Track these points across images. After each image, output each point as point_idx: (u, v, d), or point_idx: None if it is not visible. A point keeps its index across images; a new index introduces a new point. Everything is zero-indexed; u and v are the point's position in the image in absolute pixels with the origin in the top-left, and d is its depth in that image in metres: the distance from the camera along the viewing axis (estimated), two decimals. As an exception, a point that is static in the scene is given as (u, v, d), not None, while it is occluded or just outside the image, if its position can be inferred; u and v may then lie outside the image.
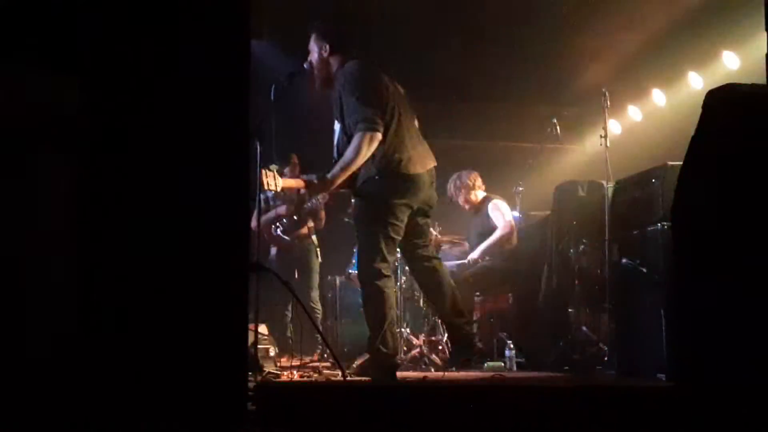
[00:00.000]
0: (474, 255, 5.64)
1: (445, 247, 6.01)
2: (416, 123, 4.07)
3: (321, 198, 6.06)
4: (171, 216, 2.16)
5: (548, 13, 5.85)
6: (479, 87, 6.92)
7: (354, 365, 4.71)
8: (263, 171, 3.90)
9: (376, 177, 3.78)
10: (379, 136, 3.71)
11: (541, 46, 6.27)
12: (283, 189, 3.99)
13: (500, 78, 6.70)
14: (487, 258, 5.63)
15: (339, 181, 3.81)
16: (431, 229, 5.66)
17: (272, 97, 4.06)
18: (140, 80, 2.16)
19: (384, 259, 3.78)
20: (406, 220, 3.83)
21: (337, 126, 3.90)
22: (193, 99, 2.20)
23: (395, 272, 5.08)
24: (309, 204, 6.05)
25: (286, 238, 6.11)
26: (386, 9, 5.78)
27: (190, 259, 2.16)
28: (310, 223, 6.17)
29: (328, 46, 3.96)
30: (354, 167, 3.77)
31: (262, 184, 3.85)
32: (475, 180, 5.89)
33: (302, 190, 4.03)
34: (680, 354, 2.27)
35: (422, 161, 3.88)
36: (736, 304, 1.99)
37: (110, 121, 2.13)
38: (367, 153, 3.72)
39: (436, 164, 4.01)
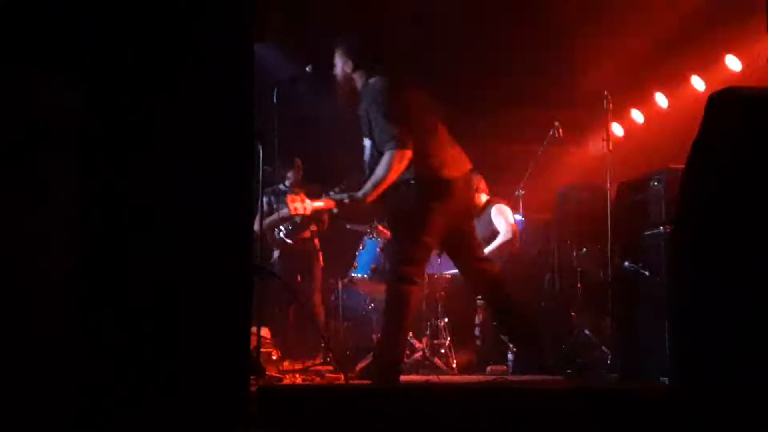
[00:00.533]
0: None
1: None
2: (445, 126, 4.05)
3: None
4: (173, 218, 2.16)
5: (551, 16, 5.86)
6: (481, 90, 6.91)
7: (356, 368, 4.71)
8: (289, 196, 3.90)
9: (412, 182, 3.77)
10: (409, 153, 3.72)
11: (543, 49, 6.27)
12: (314, 210, 3.97)
13: (502, 81, 6.70)
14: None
15: (371, 199, 3.81)
16: None
17: (275, 100, 4.07)
18: (142, 81, 2.16)
19: (412, 264, 3.76)
20: (443, 225, 3.81)
21: (367, 142, 3.89)
22: (196, 100, 2.21)
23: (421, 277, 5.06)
24: None
25: (289, 241, 6.11)
26: (386, 12, 5.79)
27: (192, 261, 2.16)
28: (313, 227, 6.17)
29: (351, 63, 3.97)
30: (386, 185, 3.77)
31: (289, 209, 3.85)
32: (478, 183, 5.88)
33: (334, 210, 3.98)
34: (682, 356, 2.27)
35: (457, 165, 3.87)
36: (738, 306, 1.99)
37: (111, 121, 2.13)
38: (398, 170, 3.73)
39: (471, 166, 3.99)
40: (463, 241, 3.98)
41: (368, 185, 3.80)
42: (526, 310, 4.06)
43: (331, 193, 3.97)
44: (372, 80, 3.91)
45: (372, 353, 3.97)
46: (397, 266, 3.80)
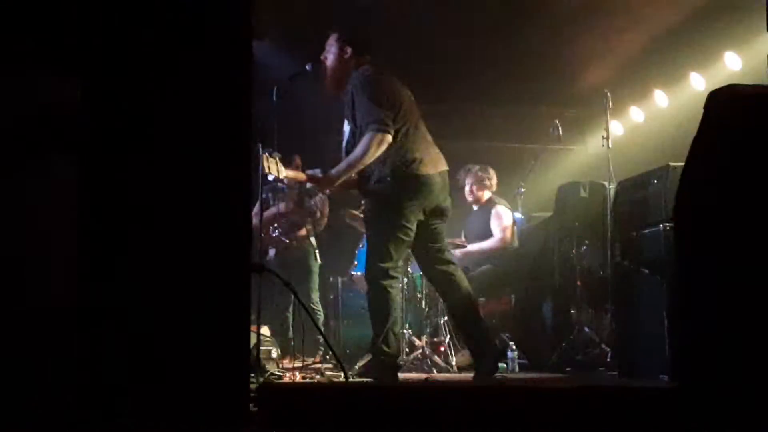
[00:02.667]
0: (457, 253, 5.58)
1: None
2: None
3: (320, 200, 6.06)
4: (172, 216, 2.16)
5: (550, 13, 5.85)
6: (481, 88, 6.92)
7: (356, 366, 4.71)
8: (265, 156, 3.89)
9: (388, 178, 3.79)
10: (389, 137, 3.73)
11: (543, 47, 6.27)
12: (285, 178, 3.99)
13: (502, 79, 6.70)
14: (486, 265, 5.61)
15: (343, 178, 3.83)
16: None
17: (274, 98, 4.07)
18: (141, 80, 2.16)
19: (391, 260, 3.78)
20: (416, 222, 3.82)
21: (346, 127, 3.91)
22: (195, 99, 2.21)
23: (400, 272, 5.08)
24: (311, 203, 6.05)
25: (285, 239, 6.10)
26: (387, 9, 5.79)
27: (191, 260, 2.16)
28: (309, 225, 6.16)
29: (349, 49, 3.97)
30: (359, 166, 3.79)
31: (263, 167, 3.85)
32: (492, 179, 5.88)
33: (308, 185, 4.02)
34: (682, 353, 2.27)
35: (434, 163, 3.89)
36: (738, 304, 1.99)
37: (111, 121, 2.13)
38: (374, 153, 3.73)
39: (448, 168, 4.01)
40: (431, 239, 3.98)
41: (342, 163, 3.83)
42: (481, 318, 4.04)
43: (309, 170, 3.98)
44: (363, 67, 3.92)
45: (369, 352, 3.97)
46: (375, 262, 3.81)
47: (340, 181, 3.86)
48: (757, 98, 2.19)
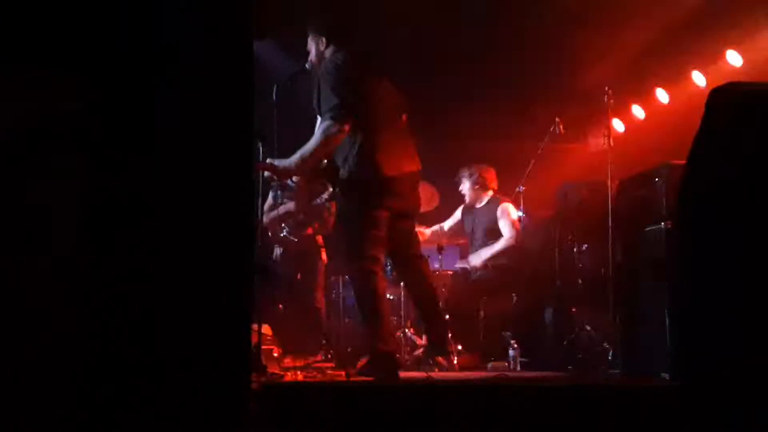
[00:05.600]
0: (476, 262, 5.60)
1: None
2: (404, 121, 4.01)
3: (328, 202, 6.06)
4: (175, 216, 2.16)
5: (551, 11, 5.84)
6: (481, 86, 6.90)
7: (357, 365, 4.71)
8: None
9: (354, 178, 3.75)
10: (344, 128, 3.64)
11: (543, 45, 6.26)
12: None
13: (502, 77, 6.69)
14: (489, 265, 5.61)
15: (298, 168, 3.77)
16: (425, 231, 5.67)
17: (275, 98, 4.06)
18: (143, 80, 2.16)
19: (366, 257, 3.76)
20: (385, 221, 3.81)
21: (319, 120, 3.87)
22: (197, 99, 2.21)
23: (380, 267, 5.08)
24: (318, 200, 6.05)
25: (293, 238, 6.11)
26: (387, 8, 5.78)
27: (193, 260, 2.16)
28: (315, 224, 6.17)
29: (324, 39, 3.91)
30: (312, 156, 3.73)
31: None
32: (488, 177, 5.87)
33: (265, 173, 3.95)
34: (683, 352, 2.27)
35: (400, 164, 3.84)
36: (740, 301, 1.99)
37: (113, 121, 2.13)
38: (327, 143, 3.67)
39: (419, 168, 3.96)
40: (403, 239, 4.01)
41: (296, 154, 3.76)
42: (439, 309, 4.28)
43: (269, 159, 3.91)
44: (335, 54, 3.82)
45: (367, 352, 4.00)
46: (353, 262, 3.81)
47: (295, 173, 3.84)
48: (759, 96, 2.19)
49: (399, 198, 3.84)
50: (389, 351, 3.77)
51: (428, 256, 5.25)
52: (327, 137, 3.65)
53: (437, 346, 4.21)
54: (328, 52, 3.89)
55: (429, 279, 4.11)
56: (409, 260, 4.07)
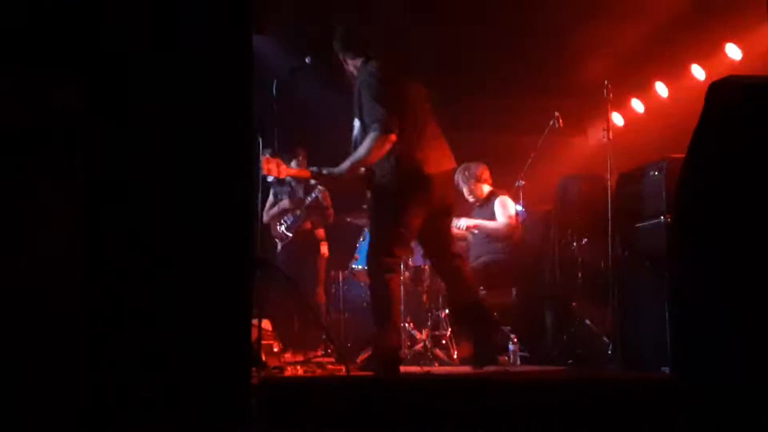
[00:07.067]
0: (461, 224, 5.53)
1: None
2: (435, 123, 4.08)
3: (320, 193, 6.07)
4: (174, 212, 2.16)
5: (551, 4, 5.84)
6: (481, 80, 6.90)
7: (358, 360, 4.71)
8: (264, 157, 3.93)
9: (391, 175, 3.83)
10: (392, 137, 3.77)
11: (543, 39, 6.25)
12: (288, 176, 4.04)
13: (502, 71, 6.68)
14: (474, 232, 5.59)
15: (346, 176, 3.88)
16: None
17: (274, 92, 4.06)
18: (141, 77, 2.16)
19: (391, 255, 3.83)
20: (419, 219, 3.86)
21: (356, 123, 3.95)
22: (196, 95, 2.21)
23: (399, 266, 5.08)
24: (309, 199, 6.06)
25: (289, 234, 6.13)
26: (386, 2, 5.77)
27: (193, 255, 2.16)
28: (314, 218, 6.18)
29: (351, 53, 4.04)
30: (362, 164, 3.85)
31: (263, 170, 3.88)
32: (483, 173, 5.86)
33: (312, 181, 4.07)
34: (682, 346, 2.27)
35: (438, 162, 3.91)
36: (739, 296, 1.99)
37: (113, 119, 2.13)
38: (377, 153, 3.79)
39: (455, 166, 4.05)
40: (438, 238, 4.05)
41: (346, 162, 3.88)
42: (488, 312, 4.19)
43: (313, 168, 4.04)
44: (367, 64, 3.96)
45: (370, 346, 4.01)
46: (375, 256, 3.86)
47: (342, 179, 3.91)
48: (758, 89, 2.18)
49: (438, 195, 3.91)
50: (393, 346, 3.79)
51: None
52: (377, 148, 3.77)
53: (483, 355, 4.08)
54: (359, 63, 4.02)
55: (468, 279, 4.09)
56: (447, 259, 4.07)
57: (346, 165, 3.87)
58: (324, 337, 5.27)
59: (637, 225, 4.12)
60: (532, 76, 6.77)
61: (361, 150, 3.80)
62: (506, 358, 4.92)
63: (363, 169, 3.93)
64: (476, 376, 3.76)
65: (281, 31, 6.12)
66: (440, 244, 4.08)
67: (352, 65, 4.05)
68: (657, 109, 6.95)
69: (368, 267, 3.93)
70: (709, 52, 6.18)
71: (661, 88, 6.84)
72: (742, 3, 5.31)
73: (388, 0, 5.78)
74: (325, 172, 3.94)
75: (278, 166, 3.91)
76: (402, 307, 5.36)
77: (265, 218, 6.12)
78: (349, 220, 5.87)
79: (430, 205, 3.89)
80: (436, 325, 5.32)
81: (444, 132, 4.13)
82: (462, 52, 6.49)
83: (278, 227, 6.15)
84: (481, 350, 4.10)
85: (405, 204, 3.82)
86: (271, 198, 6.15)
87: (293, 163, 6.23)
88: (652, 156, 4.17)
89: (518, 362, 4.93)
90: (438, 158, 3.93)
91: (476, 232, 5.60)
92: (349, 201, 5.99)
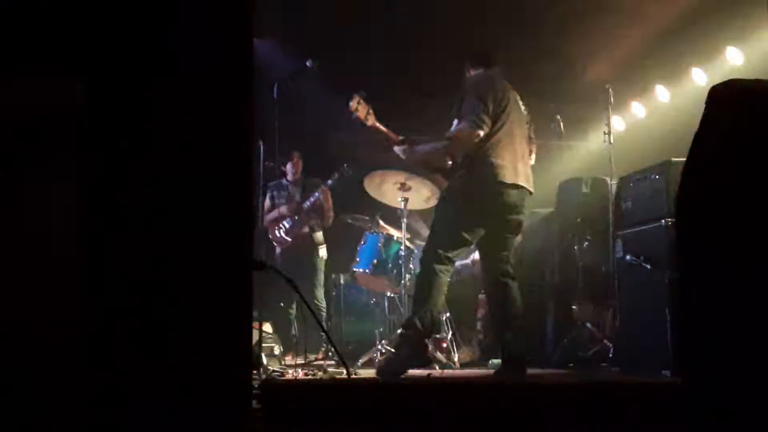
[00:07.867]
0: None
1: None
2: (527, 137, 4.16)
3: (321, 194, 6.07)
4: (174, 215, 2.16)
5: (552, 9, 5.84)
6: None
7: (359, 363, 4.72)
8: (357, 97, 3.94)
9: (467, 175, 3.87)
10: (480, 133, 3.81)
11: (544, 43, 6.26)
12: (371, 126, 4.04)
13: (503, 74, 6.68)
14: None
15: (420, 155, 3.97)
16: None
17: (275, 96, 4.07)
18: (142, 79, 2.16)
19: (449, 248, 3.86)
20: (484, 226, 3.88)
21: (455, 123, 4.00)
22: (196, 97, 2.21)
23: (400, 269, 5.09)
24: (308, 202, 6.06)
25: (288, 238, 6.11)
26: (387, 5, 5.78)
27: (193, 258, 2.16)
28: (313, 221, 6.17)
29: (468, 65, 4.22)
30: (442, 150, 3.91)
31: (351, 108, 3.90)
32: None
33: (397, 145, 4.06)
34: (684, 349, 2.27)
35: (514, 174, 3.89)
36: (741, 299, 1.99)
37: (111, 120, 2.13)
38: (459, 144, 3.85)
39: (531, 190, 3.98)
40: (496, 251, 3.98)
41: (429, 144, 3.96)
42: (524, 332, 4.06)
43: (401, 136, 4.07)
44: (475, 72, 4.13)
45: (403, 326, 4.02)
46: (433, 247, 3.89)
47: (416, 156, 3.98)
48: (759, 93, 2.19)
49: (506, 204, 3.88)
50: (422, 332, 3.81)
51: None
52: (461, 137, 3.84)
53: (512, 369, 3.94)
54: (471, 70, 4.19)
55: (517, 300, 3.95)
56: (498, 273, 3.97)
57: (427, 146, 3.94)
58: (325, 340, 5.27)
59: (638, 228, 4.12)
60: (534, 81, 6.78)
61: (448, 134, 3.88)
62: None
63: (450, 162, 3.96)
64: (477, 380, 3.76)
65: (282, 35, 6.13)
66: (496, 257, 3.97)
67: (473, 73, 4.17)
68: (658, 112, 6.95)
69: (424, 256, 3.95)
70: (710, 56, 6.19)
71: (662, 92, 6.85)
72: (744, 7, 5.32)
73: (387, 4, 5.78)
74: (414, 141, 3.97)
75: (367, 111, 3.93)
76: (402, 311, 5.38)
77: (263, 222, 6.12)
78: (350, 221, 5.87)
79: (498, 215, 3.88)
80: (437, 329, 5.32)
81: (442, 135, 4.14)
82: (463, 56, 6.49)
83: (277, 231, 6.14)
84: (508, 366, 3.95)
85: (474, 206, 3.85)
86: (267, 201, 6.12)
87: (288, 165, 6.24)
88: (653, 159, 4.17)
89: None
90: (516, 171, 3.91)
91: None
92: (349, 201, 6.00)
